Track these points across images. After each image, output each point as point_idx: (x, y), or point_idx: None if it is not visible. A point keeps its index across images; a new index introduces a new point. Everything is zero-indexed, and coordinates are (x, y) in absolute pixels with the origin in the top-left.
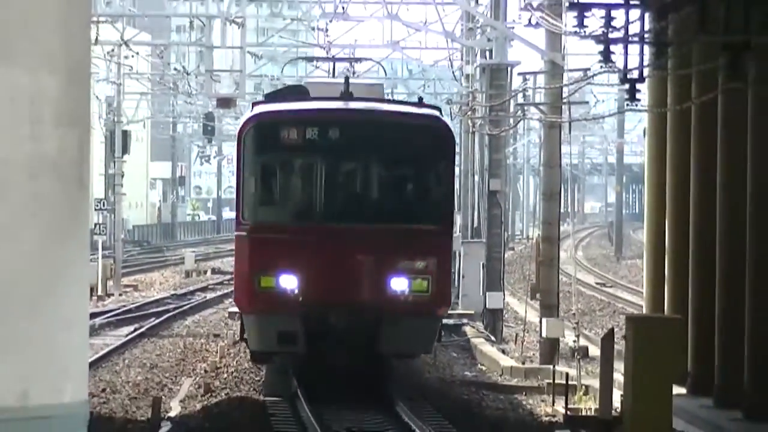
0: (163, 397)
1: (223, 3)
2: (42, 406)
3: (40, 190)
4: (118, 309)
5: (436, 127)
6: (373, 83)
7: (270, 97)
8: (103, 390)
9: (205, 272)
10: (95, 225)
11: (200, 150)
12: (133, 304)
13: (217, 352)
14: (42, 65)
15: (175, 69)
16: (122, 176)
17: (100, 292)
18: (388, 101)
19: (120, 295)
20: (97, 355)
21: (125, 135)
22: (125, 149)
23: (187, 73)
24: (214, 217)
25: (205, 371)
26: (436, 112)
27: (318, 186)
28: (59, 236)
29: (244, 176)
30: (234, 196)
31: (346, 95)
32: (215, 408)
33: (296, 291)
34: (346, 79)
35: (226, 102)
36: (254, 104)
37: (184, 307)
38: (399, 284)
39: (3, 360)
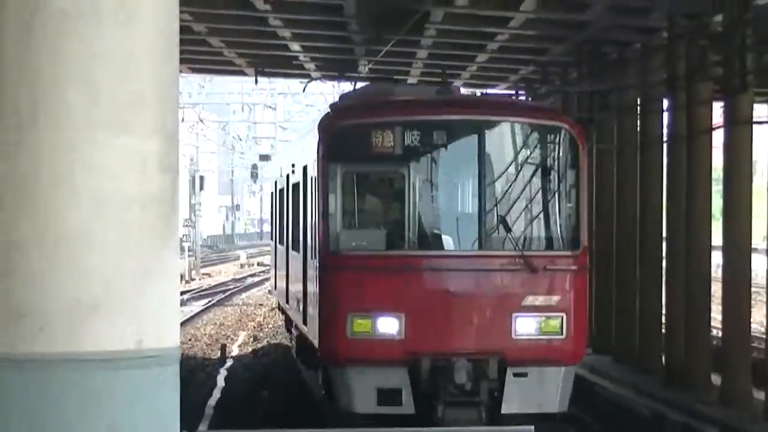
0: (227, 343)
1: (262, 95)
2: (151, 349)
3: (149, 216)
4: (198, 288)
5: (571, 131)
6: (454, 84)
7: (348, 98)
8: (189, 339)
9: (253, 265)
10: (183, 236)
11: (249, 188)
12: (207, 285)
13: (261, 315)
14: (148, 134)
15: (233, 136)
16: (200, 204)
17: (186, 278)
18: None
19: (199, 280)
20: (185, 317)
21: (201, 179)
22: (201, 187)
23: (240, 139)
24: (258, 230)
25: (254, 327)
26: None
27: (424, 205)
28: (161, 243)
29: (327, 194)
30: (269, 215)
31: (447, 89)
32: (260, 350)
33: (399, 336)
34: (443, 70)
35: (265, 157)
36: (332, 106)
37: (240, 287)
38: (526, 326)
39: (128, 323)
